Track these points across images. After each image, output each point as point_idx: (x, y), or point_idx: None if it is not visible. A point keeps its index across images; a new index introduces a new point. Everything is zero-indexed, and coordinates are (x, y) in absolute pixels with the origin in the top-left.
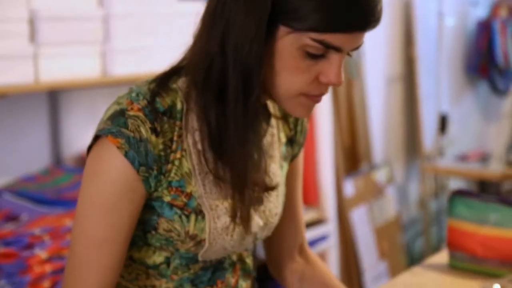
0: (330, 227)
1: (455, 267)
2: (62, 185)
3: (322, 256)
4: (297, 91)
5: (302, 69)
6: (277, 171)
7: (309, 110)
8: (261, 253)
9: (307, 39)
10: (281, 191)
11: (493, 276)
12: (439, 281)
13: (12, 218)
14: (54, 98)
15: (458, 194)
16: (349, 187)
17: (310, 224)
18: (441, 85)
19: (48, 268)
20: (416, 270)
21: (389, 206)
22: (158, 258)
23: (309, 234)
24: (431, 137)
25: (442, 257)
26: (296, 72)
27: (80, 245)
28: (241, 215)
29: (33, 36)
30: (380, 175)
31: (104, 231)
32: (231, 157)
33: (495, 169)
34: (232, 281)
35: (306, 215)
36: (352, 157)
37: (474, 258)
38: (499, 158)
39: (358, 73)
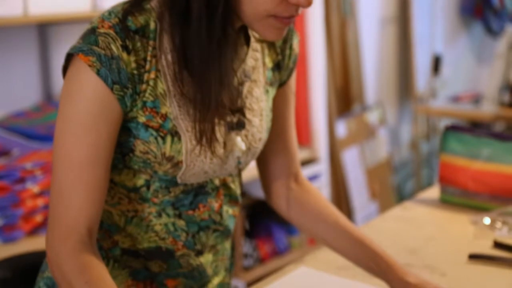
0: (322, 167)
1: (446, 202)
2: (53, 121)
3: None
4: (265, 12)
5: None
6: (261, 95)
7: (279, 32)
8: (254, 191)
9: None
10: (265, 116)
11: (483, 210)
12: (430, 215)
13: (3, 153)
14: (44, 32)
15: (452, 129)
16: (341, 128)
17: (302, 163)
18: (435, 26)
19: (40, 202)
20: (407, 204)
21: (381, 147)
22: (138, 181)
23: None
24: (424, 79)
25: (433, 192)
26: None
27: (62, 167)
28: (206, 138)
29: None
30: (372, 117)
31: (84, 151)
32: (196, 78)
33: (487, 110)
34: (215, 205)
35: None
36: (345, 98)
37: (465, 192)
38: (491, 99)
39: (352, 13)
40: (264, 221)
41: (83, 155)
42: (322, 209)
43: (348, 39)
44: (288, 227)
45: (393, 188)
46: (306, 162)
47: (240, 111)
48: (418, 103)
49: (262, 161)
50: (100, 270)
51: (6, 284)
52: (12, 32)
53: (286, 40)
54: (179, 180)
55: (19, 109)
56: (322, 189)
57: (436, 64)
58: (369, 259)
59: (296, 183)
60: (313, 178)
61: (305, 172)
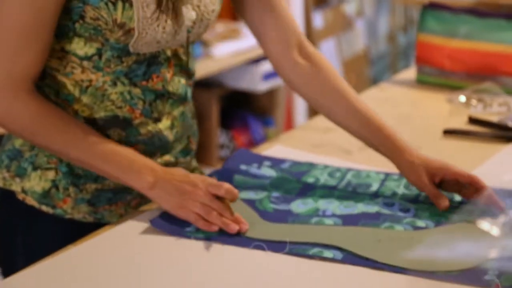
0: None
1: (422, 82)
2: None
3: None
4: None
5: None
6: None
7: None
8: (228, 81)
9: None
10: None
11: (459, 88)
12: (407, 95)
13: None
14: None
15: (430, 7)
16: (318, 19)
17: None
18: None
19: None
20: (384, 85)
21: (358, 39)
22: (89, 49)
23: None
24: None
25: (409, 73)
26: None
27: (7, 30)
28: (167, 4)
29: None
30: (349, 8)
31: (30, 15)
32: None
33: None
34: (168, 76)
35: None
36: None
37: (442, 72)
38: None
39: None
40: (240, 112)
41: (29, 19)
42: (335, 86)
43: None
44: (264, 118)
45: (370, 80)
46: None
47: None
48: None
49: (260, 38)
50: (56, 109)
51: None
52: None
53: None
54: (131, 49)
55: None
56: None
57: None
58: (378, 142)
59: (302, 56)
60: None
61: None
